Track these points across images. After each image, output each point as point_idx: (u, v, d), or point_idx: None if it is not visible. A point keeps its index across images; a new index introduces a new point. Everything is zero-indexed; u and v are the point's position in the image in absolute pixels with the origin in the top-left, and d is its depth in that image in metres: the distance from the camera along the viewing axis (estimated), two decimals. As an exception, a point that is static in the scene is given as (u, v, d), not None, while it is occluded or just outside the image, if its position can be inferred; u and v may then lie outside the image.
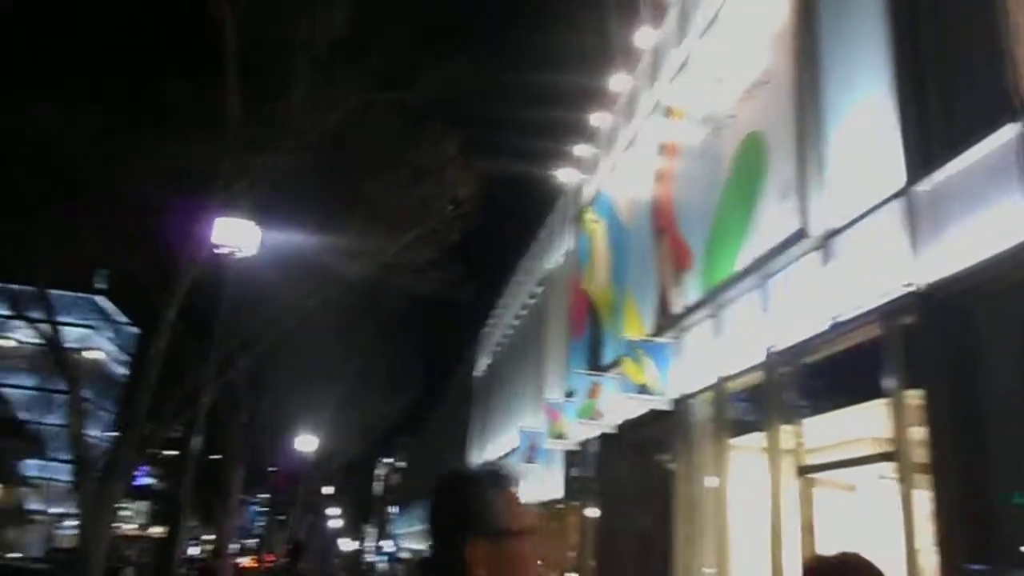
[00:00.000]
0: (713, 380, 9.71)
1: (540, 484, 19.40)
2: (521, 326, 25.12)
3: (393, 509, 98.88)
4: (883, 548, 7.62)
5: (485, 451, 29.60)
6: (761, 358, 8.54)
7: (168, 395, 11.63)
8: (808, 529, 7.48)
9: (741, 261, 9.03)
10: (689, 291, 10.60)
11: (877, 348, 6.77)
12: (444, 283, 16.25)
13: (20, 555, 36.98)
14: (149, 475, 58.27)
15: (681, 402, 10.61)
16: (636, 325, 12.59)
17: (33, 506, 45.28)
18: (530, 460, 18.14)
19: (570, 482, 16.65)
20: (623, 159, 14.84)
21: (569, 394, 16.29)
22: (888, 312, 6.57)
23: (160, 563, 9.58)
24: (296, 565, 10.55)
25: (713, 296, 9.69)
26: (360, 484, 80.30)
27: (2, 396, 42.79)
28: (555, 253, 21.18)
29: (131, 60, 11.86)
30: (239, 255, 8.27)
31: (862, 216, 7.07)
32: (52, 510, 41.62)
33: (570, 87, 15.71)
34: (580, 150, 17.12)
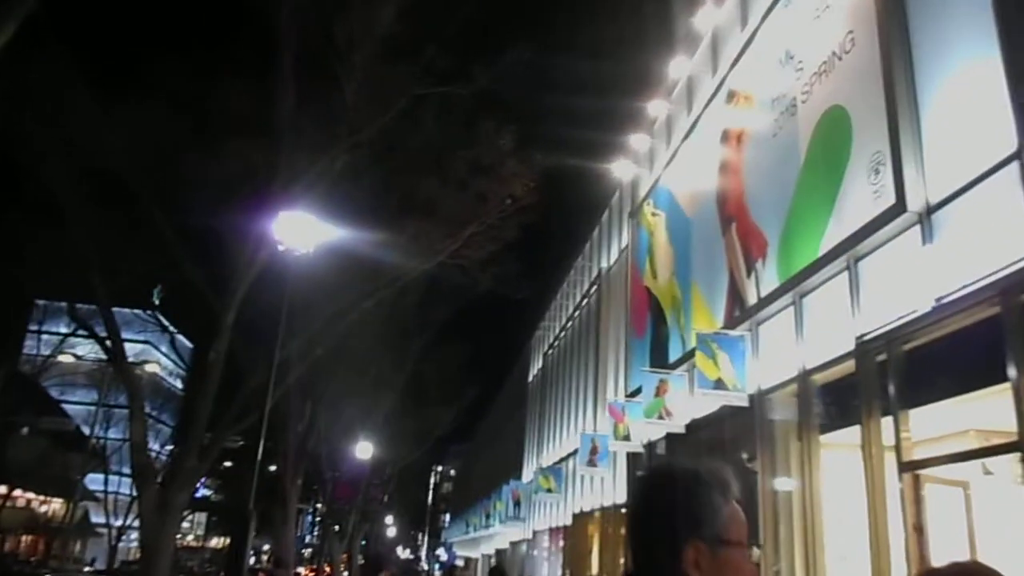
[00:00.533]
0: (795, 373, 9.11)
1: (602, 488, 18.86)
2: (576, 327, 24.62)
3: (445, 517, 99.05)
4: (1004, 550, 6.96)
5: (542, 456, 29.11)
6: (851, 346, 7.93)
7: (227, 404, 11.48)
8: (917, 530, 6.84)
9: (825, 244, 8.44)
10: (765, 280, 10.02)
11: (992, 329, 6.14)
12: (501, 281, 15.88)
13: (87, 568, 37.70)
14: (206, 487, 59.24)
15: (759, 397, 10.02)
16: (705, 319, 12.03)
17: (97, 519, 46.16)
18: (591, 464, 17.62)
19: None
20: (684, 148, 14.28)
21: (632, 394, 15.74)
22: (1006, 288, 5.95)
23: (229, 573, 9.39)
24: None
25: (794, 283, 9.10)
26: (413, 492, 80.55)
27: (65, 411, 43.78)
28: (611, 250, 20.68)
29: (183, 62, 11.80)
30: (299, 252, 8.01)
31: (970, 185, 6.45)
32: (115, 523, 42.33)
33: (626, 75, 15.25)
34: (637, 141, 16.59)
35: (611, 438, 15.32)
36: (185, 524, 61.92)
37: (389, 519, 57.09)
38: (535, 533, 28.97)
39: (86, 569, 36.98)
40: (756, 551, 9.33)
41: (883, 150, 7.48)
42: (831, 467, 8.66)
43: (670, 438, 13.37)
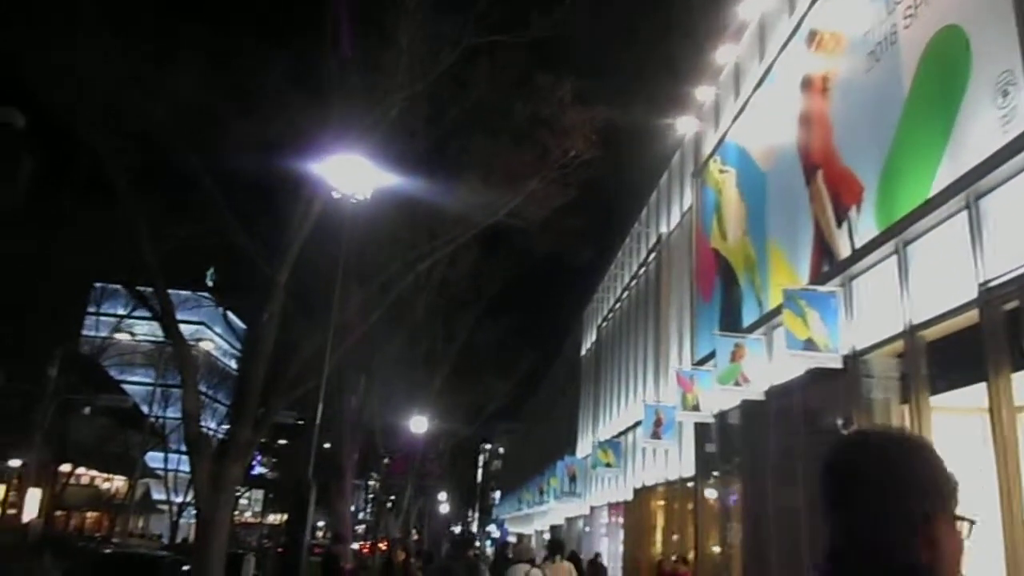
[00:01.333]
0: (900, 329, 8.22)
1: (666, 461, 18.12)
2: (634, 295, 23.76)
3: (496, 494, 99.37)
4: None
5: (598, 431, 28.45)
6: (972, 294, 7.03)
7: (281, 374, 11.05)
8: (1064, 500, 5.99)
9: (939, 183, 7.52)
10: (861, 229, 9.11)
11: None
12: (561, 242, 15.15)
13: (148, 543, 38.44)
14: (262, 464, 60.11)
15: (854, 359, 9.15)
16: (786, 277, 11.14)
17: (158, 496, 47.07)
18: (656, 436, 16.89)
19: (704, 458, 15.30)
20: (756, 97, 13.30)
21: (701, 361, 14.94)
22: None
23: (288, 548, 8.91)
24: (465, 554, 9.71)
25: (899, 229, 8.18)
26: (463, 470, 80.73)
27: (124, 391, 44.57)
28: (671, 214, 19.76)
29: (226, 22, 11.27)
30: (355, 199, 7.40)
31: None
32: (176, 499, 43.26)
33: (690, 21, 14.25)
34: (702, 93, 15.59)
35: (678, 408, 14.54)
36: (243, 501, 62.92)
37: (442, 495, 57.19)
38: (592, 509, 28.42)
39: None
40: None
41: (1014, 68, 6.54)
42: (944, 431, 7.78)
43: (746, 408, 12.55)
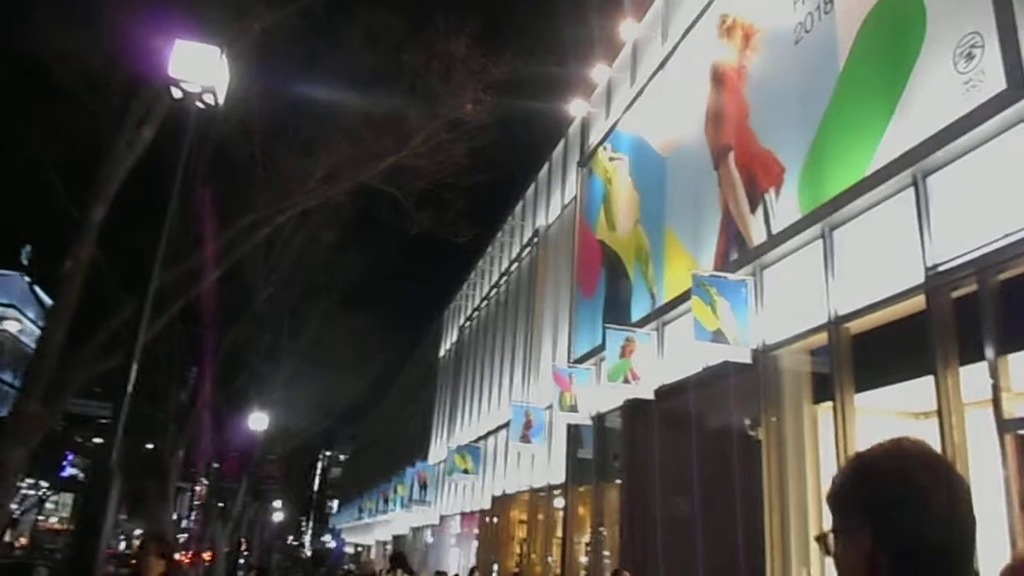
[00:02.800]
0: (822, 320, 7.48)
1: (532, 467, 17.06)
2: (504, 292, 22.66)
3: (334, 504, 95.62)
4: None
5: (454, 436, 27.09)
6: (915, 281, 6.34)
7: (89, 339, 8.85)
8: (1024, 507, 5.30)
9: (878, 160, 6.83)
10: (780, 213, 8.37)
11: None
12: (437, 219, 13.68)
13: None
14: (73, 465, 54.15)
15: (763, 353, 8.38)
16: (686, 266, 10.34)
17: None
18: (525, 439, 15.79)
19: (576, 463, 14.34)
20: (658, 80, 12.55)
21: (580, 360, 13.99)
22: None
23: (79, 557, 6.42)
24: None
25: (828, 211, 7.46)
26: (300, 476, 76.87)
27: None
28: (549, 207, 18.83)
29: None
30: (204, 97, 5.61)
31: None
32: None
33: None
34: (597, 73, 14.67)
35: (555, 408, 13.49)
36: (49, 505, 56.44)
37: (278, 503, 53.67)
38: (443, 518, 26.98)
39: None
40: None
41: (982, 28, 5.88)
42: (868, 434, 7.08)
43: (630, 408, 11.66)
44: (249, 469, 23.65)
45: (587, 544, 13.53)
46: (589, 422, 13.37)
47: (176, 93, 5.54)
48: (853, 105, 7.42)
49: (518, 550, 18.53)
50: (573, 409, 13.32)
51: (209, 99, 5.61)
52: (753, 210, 8.92)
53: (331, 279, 26.14)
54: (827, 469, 7.54)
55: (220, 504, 26.19)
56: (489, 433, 21.32)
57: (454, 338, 31.09)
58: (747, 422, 8.29)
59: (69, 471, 52.72)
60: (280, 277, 19.52)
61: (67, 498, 59.77)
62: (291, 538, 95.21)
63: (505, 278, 22.59)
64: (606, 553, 12.61)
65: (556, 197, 18.37)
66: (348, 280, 27.41)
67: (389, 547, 39.79)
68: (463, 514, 23.79)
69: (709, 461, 9.49)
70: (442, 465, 27.51)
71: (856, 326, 7.21)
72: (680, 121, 11.41)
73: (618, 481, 12.58)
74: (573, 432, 14.47)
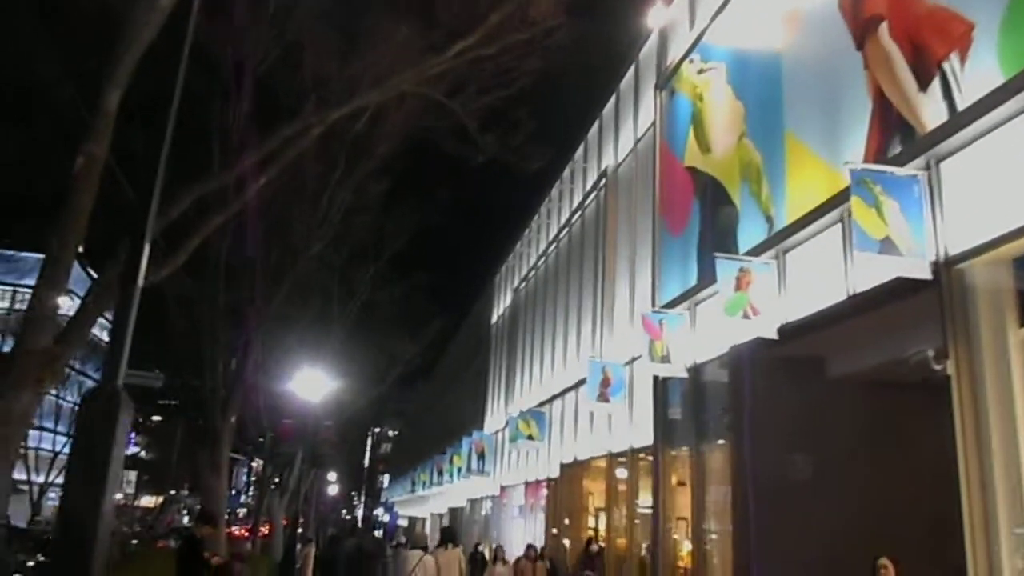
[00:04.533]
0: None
1: (609, 429, 15.40)
2: (566, 245, 20.87)
3: (384, 478, 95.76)
4: None
5: (512, 402, 25.58)
6: None
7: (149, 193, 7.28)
8: None
9: None
10: (967, 83, 6.46)
11: None
12: (504, 143, 11.96)
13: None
14: (135, 443, 54.53)
15: (946, 267, 6.52)
16: (816, 174, 8.48)
17: (18, 476, 41.49)
18: (603, 398, 14.12)
19: (666, 422, 12.63)
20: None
21: (670, 304, 12.23)
22: None
23: (75, 512, 4.98)
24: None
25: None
26: (350, 453, 76.72)
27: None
28: (618, 146, 16.96)
29: None
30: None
31: None
32: (38, 479, 39.22)
33: None
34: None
35: (645, 359, 11.76)
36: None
37: (332, 475, 53.21)
38: (503, 488, 25.57)
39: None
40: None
41: None
42: None
43: (739, 354, 9.89)
44: (305, 435, 22.50)
45: (680, 518, 11.85)
46: (684, 374, 11.63)
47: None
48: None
49: (592, 523, 16.97)
50: (665, 360, 11.60)
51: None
52: (924, 87, 7.00)
53: (379, 242, 24.90)
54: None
55: (276, 480, 25.22)
56: (554, 396, 19.71)
57: (507, 302, 29.50)
58: (931, 354, 6.44)
59: (132, 449, 53.03)
60: (327, 232, 18.09)
61: (131, 476, 60.25)
62: (344, 511, 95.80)
63: (566, 230, 20.81)
64: (710, 527, 10.91)
65: (626, 132, 16.48)
66: (396, 243, 26.15)
67: (445, 520, 38.77)
68: (527, 483, 22.31)
69: (862, 414, 7.70)
70: (500, 434, 26.09)
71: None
72: (799, 2, 9.48)
73: (721, 441, 10.88)
74: (661, 389, 12.77)
